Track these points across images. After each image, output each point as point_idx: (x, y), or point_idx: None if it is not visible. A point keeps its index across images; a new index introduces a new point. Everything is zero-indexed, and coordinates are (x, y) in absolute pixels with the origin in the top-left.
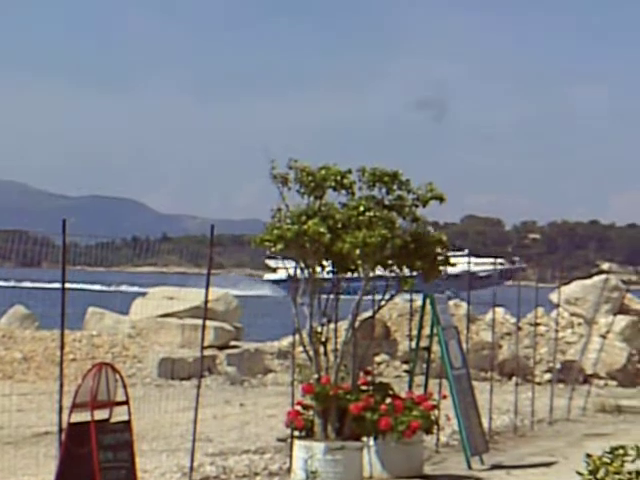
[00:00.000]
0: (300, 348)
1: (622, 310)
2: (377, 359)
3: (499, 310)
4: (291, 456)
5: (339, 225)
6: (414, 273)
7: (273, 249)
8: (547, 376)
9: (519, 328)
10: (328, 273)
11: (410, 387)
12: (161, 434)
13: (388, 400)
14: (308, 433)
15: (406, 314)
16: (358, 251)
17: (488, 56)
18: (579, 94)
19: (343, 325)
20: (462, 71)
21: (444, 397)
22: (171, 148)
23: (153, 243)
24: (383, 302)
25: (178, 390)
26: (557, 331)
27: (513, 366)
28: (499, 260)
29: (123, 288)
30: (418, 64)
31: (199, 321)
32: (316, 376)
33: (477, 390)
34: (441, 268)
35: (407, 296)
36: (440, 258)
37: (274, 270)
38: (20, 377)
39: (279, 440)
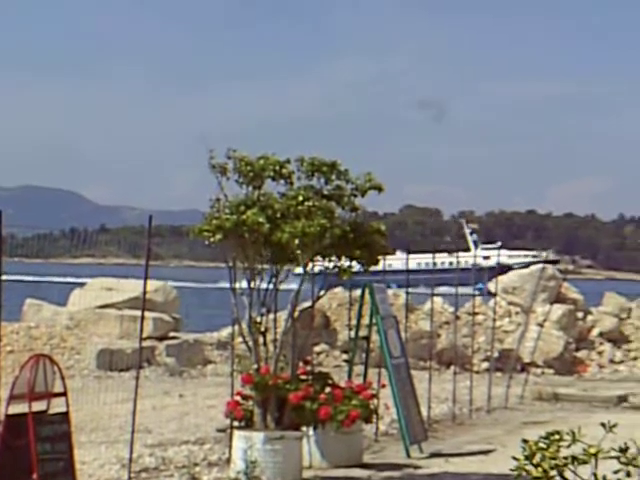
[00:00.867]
0: (239, 339)
1: (559, 299)
2: (316, 349)
3: (437, 300)
4: (230, 446)
5: (278, 215)
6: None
7: (212, 239)
8: (485, 365)
9: (457, 317)
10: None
11: (349, 376)
12: (100, 425)
13: (327, 389)
14: (247, 423)
15: (345, 304)
16: (297, 241)
17: (426, 49)
18: (515, 87)
19: (282, 315)
20: (402, 64)
21: (383, 386)
22: (111, 140)
23: (91, 234)
24: (322, 292)
25: (117, 381)
26: (495, 320)
27: (451, 355)
28: (531, 253)
29: (60, 279)
30: (356, 58)
31: (138, 312)
32: (255, 366)
33: (416, 379)
34: (379, 257)
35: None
36: (379, 247)
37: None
38: None
39: (218, 431)
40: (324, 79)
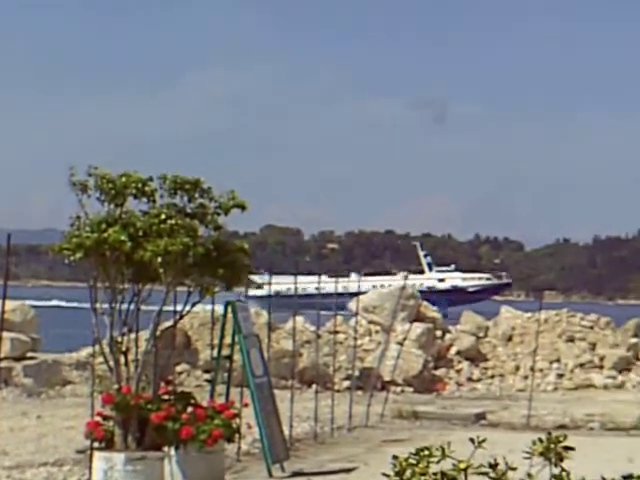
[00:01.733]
0: (100, 358)
1: (418, 317)
2: (178, 369)
3: (299, 319)
4: (91, 467)
5: (140, 233)
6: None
7: (72, 258)
8: (346, 383)
9: (319, 336)
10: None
11: (212, 396)
12: None
13: (190, 409)
14: (108, 444)
15: (207, 323)
16: (159, 259)
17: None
18: (373, 105)
19: (144, 335)
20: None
21: (246, 405)
22: None
23: None
24: (185, 312)
25: None
26: (356, 339)
27: (313, 374)
28: (485, 276)
29: None
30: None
31: None
32: (116, 386)
33: (278, 398)
34: (242, 277)
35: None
36: (242, 266)
37: (260, 286)
38: None
39: (78, 452)
40: (192, 92)
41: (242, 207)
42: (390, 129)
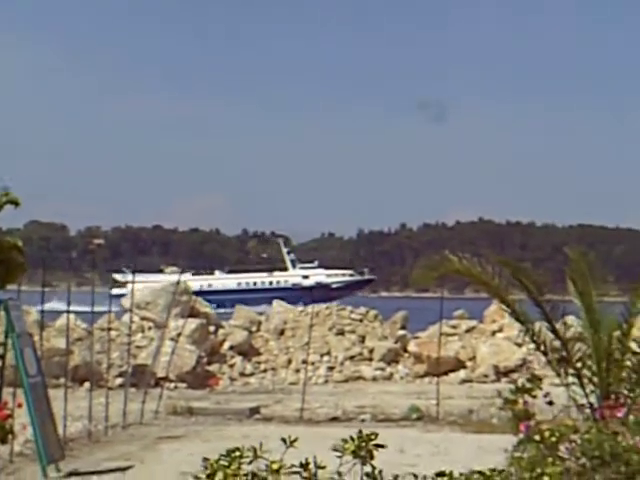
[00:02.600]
0: None
1: (192, 313)
2: None
3: (70, 316)
4: None
5: None
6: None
7: None
8: (119, 381)
9: (91, 333)
10: None
11: None
12: None
13: None
14: None
15: None
16: None
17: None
18: (145, 104)
19: None
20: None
21: (19, 406)
22: None
23: None
24: None
25: None
26: (129, 335)
27: (86, 372)
28: (348, 272)
29: None
30: None
31: None
32: None
33: (51, 397)
34: (17, 275)
35: None
36: (16, 265)
37: (123, 284)
38: None
39: None
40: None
41: (15, 203)
42: (147, 126)
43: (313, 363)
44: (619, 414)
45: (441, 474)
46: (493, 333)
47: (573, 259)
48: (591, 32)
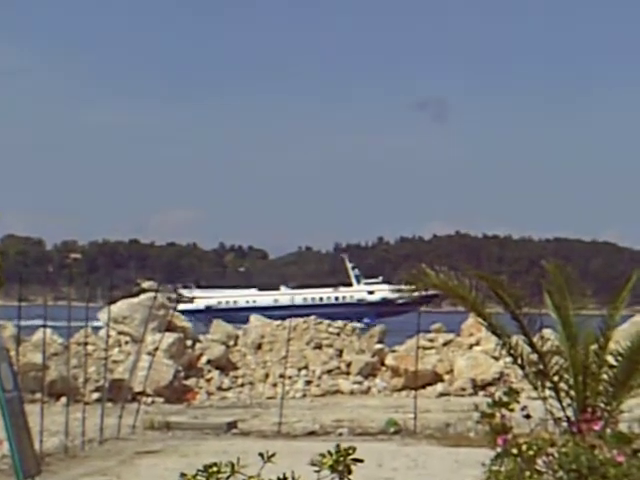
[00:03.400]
0: None
1: (169, 328)
2: None
3: (47, 331)
4: None
5: None
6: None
7: None
8: (96, 395)
9: (67, 347)
10: None
11: None
12: None
13: None
14: None
15: None
16: None
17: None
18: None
19: None
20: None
21: None
22: None
23: None
24: None
25: None
26: (106, 350)
27: (62, 386)
28: (413, 287)
29: None
30: None
31: None
32: None
33: (27, 412)
34: None
35: None
36: None
37: (191, 300)
38: None
39: None
40: None
41: None
42: (124, 139)
43: (291, 377)
44: (596, 427)
45: None
46: (470, 346)
47: (550, 272)
48: (591, 33)
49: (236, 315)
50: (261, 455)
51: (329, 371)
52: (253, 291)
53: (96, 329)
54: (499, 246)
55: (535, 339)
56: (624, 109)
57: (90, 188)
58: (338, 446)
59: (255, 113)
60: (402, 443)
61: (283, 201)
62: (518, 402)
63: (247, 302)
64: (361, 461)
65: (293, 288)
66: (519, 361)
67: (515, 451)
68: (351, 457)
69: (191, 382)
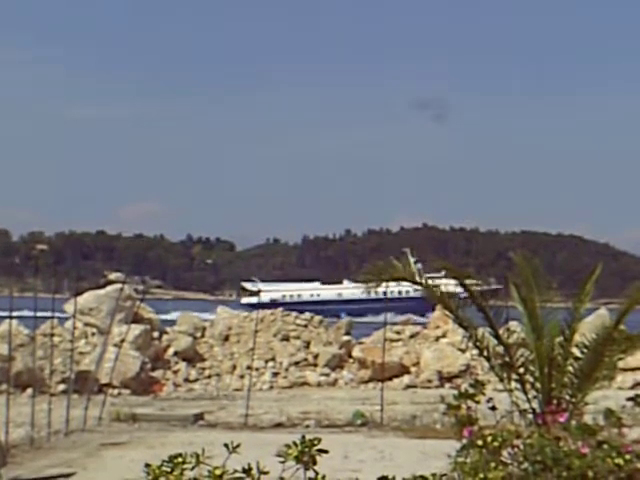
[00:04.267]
0: None
1: (135, 319)
2: None
3: (13, 322)
4: None
5: None
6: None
7: None
8: (62, 387)
9: (33, 339)
10: None
11: None
12: None
13: None
14: None
15: None
16: None
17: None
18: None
19: None
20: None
21: None
22: None
23: None
24: None
25: None
26: (72, 341)
27: (28, 378)
28: (476, 281)
29: None
30: None
31: None
32: None
33: None
34: None
35: None
36: None
37: (256, 293)
38: None
39: None
40: None
41: None
42: (90, 131)
43: (258, 369)
44: (561, 419)
45: (383, 479)
46: (437, 339)
47: (518, 264)
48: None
49: (301, 309)
50: (226, 446)
51: (296, 363)
52: (317, 284)
53: (62, 320)
54: (466, 239)
55: (501, 331)
56: (594, 107)
57: (57, 179)
58: (303, 437)
59: (224, 107)
60: (369, 435)
61: (251, 193)
62: (484, 394)
63: (311, 295)
64: (326, 452)
65: (356, 282)
66: (485, 353)
67: (480, 443)
68: (316, 448)
69: (158, 374)
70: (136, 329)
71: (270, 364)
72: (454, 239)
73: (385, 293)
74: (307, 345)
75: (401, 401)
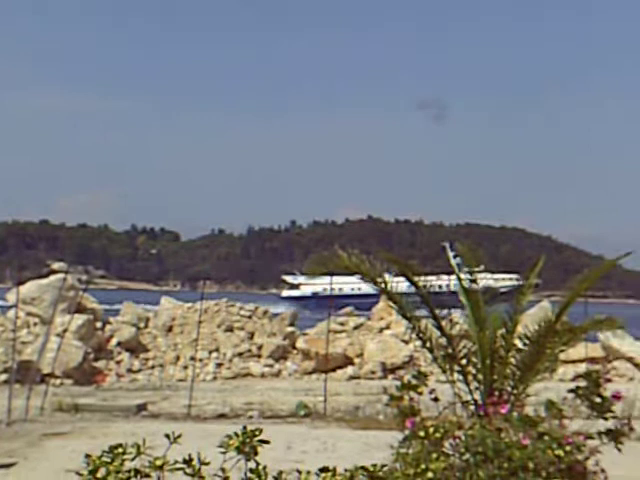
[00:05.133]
0: None
1: (78, 309)
2: None
3: None
4: None
5: None
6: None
7: None
8: (4, 377)
9: None
10: None
11: None
12: None
13: None
14: None
15: None
16: None
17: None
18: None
19: None
20: None
21: None
22: None
23: None
24: None
25: None
26: (14, 331)
27: None
28: (515, 276)
29: None
30: None
31: None
32: None
33: None
34: None
35: None
36: None
37: (296, 286)
38: None
39: None
40: None
41: None
42: (33, 119)
43: (201, 360)
44: (503, 411)
45: (325, 470)
46: (381, 330)
47: (462, 254)
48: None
49: (343, 303)
50: (167, 436)
51: (240, 354)
52: (357, 278)
53: (4, 309)
54: (410, 231)
55: (444, 323)
56: (535, 104)
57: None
58: (245, 428)
59: (169, 97)
60: (312, 426)
61: (196, 183)
62: (427, 385)
63: (352, 289)
64: (267, 442)
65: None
66: (428, 345)
67: (422, 434)
68: (257, 439)
69: (101, 364)
70: (79, 319)
71: (214, 355)
72: (399, 231)
73: (425, 287)
74: (251, 336)
75: (344, 392)
